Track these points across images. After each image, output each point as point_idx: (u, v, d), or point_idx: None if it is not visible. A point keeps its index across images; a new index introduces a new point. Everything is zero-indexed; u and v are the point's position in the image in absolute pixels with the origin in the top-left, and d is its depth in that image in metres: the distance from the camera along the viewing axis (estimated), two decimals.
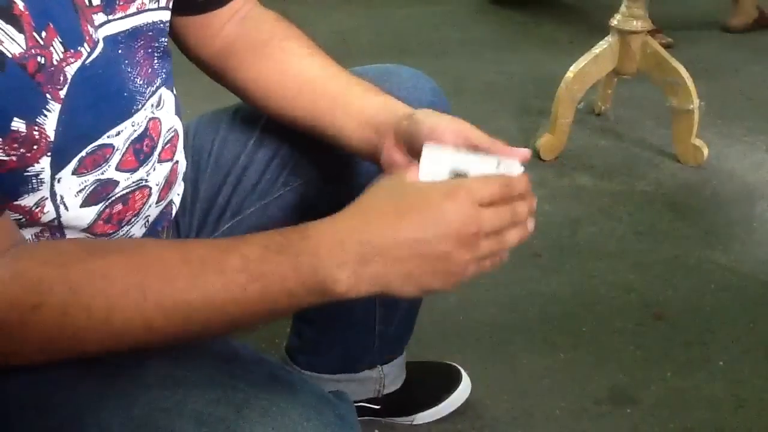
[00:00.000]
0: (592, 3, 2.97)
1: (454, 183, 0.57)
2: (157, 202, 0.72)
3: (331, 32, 2.77)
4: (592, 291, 1.43)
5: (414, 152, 0.66)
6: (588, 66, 1.87)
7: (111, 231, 0.67)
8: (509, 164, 0.61)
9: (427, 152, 0.61)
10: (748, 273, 1.49)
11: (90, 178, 0.61)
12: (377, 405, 1.13)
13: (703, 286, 1.46)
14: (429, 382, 1.18)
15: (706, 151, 1.85)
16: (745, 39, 2.61)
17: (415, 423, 1.16)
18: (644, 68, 1.87)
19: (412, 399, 1.16)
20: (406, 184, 0.58)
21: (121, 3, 0.60)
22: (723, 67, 2.38)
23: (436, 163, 0.60)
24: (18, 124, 0.52)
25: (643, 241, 1.59)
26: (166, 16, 0.66)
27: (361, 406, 1.13)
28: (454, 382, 1.18)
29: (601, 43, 1.88)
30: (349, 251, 0.53)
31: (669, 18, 2.62)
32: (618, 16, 1.84)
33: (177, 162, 0.76)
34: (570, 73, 1.87)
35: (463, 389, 1.18)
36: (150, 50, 0.65)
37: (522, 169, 0.62)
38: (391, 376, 1.12)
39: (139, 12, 0.62)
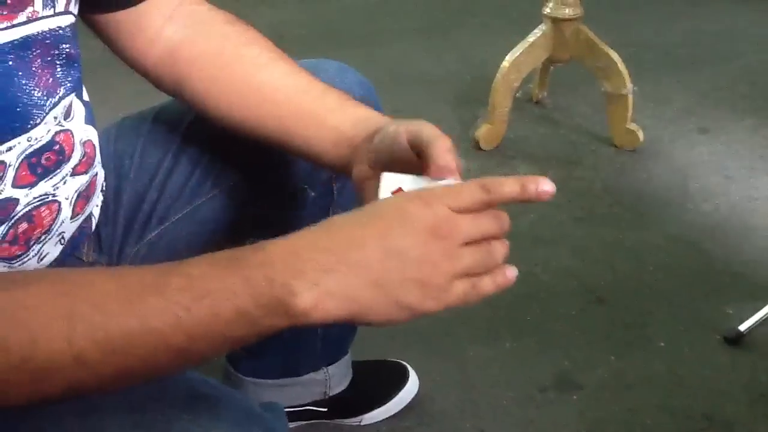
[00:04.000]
0: None
1: (421, 191, 0.50)
2: (72, 218, 0.68)
3: (264, 26, 2.72)
4: (534, 279, 1.44)
5: (380, 146, 0.64)
6: (523, 55, 1.88)
7: (19, 252, 0.63)
8: None
9: (385, 180, 0.57)
10: (684, 252, 1.52)
11: None
12: (324, 407, 1.11)
13: (642, 267, 1.48)
14: (376, 381, 1.17)
15: (641, 135, 1.89)
16: (673, 23, 2.66)
17: (363, 423, 1.14)
18: (577, 55, 1.89)
19: (359, 399, 1.14)
20: (365, 206, 0.52)
21: (5, 12, 0.55)
22: (653, 51, 2.43)
23: (395, 186, 0.56)
24: None
25: (582, 226, 1.61)
26: (66, 21, 0.62)
27: (307, 409, 1.11)
28: (401, 379, 1.17)
29: (534, 31, 1.89)
30: (306, 259, 0.47)
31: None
32: (550, 4, 1.85)
33: (96, 174, 0.72)
34: (506, 63, 1.88)
35: (411, 386, 1.17)
36: (49, 59, 0.60)
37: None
38: (336, 378, 1.10)
39: (30, 21, 0.57)
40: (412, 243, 0.47)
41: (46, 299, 0.45)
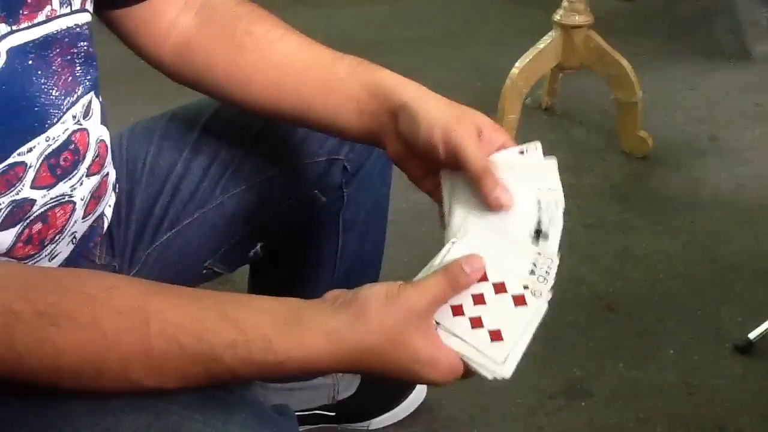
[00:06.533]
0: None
1: (445, 352, 0.57)
2: (84, 218, 0.69)
3: None
4: None
5: (414, 141, 0.66)
6: (533, 61, 1.88)
7: (33, 252, 0.63)
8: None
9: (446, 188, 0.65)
10: (694, 260, 1.51)
11: (5, 200, 0.58)
12: (332, 412, 1.11)
13: (652, 275, 1.47)
14: (384, 386, 1.16)
15: (651, 142, 1.88)
16: (684, 31, 2.66)
17: (371, 428, 1.14)
18: (588, 62, 1.89)
19: (367, 404, 1.14)
20: (411, 334, 0.56)
21: (26, 12, 0.56)
22: (664, 58, 2.42)
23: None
24: None
25: (592, 233, 1.61)
26: (83, 18, 0.62)
27: (315, 413, 1.11)
28: (409, 384, 1.17)
29: (544, 38, 1.89)
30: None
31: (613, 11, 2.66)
32: (560, 11, 1.86)
33: (107, 174, 0.73)
34: (515, 69, 1.88)
35: (419, 391, 1.16)
36: (69, 57, 0.61)
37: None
38: (344, 382, 1.10)
39: (49, 20, 0.58)
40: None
41: (74, 348, 0.50)
